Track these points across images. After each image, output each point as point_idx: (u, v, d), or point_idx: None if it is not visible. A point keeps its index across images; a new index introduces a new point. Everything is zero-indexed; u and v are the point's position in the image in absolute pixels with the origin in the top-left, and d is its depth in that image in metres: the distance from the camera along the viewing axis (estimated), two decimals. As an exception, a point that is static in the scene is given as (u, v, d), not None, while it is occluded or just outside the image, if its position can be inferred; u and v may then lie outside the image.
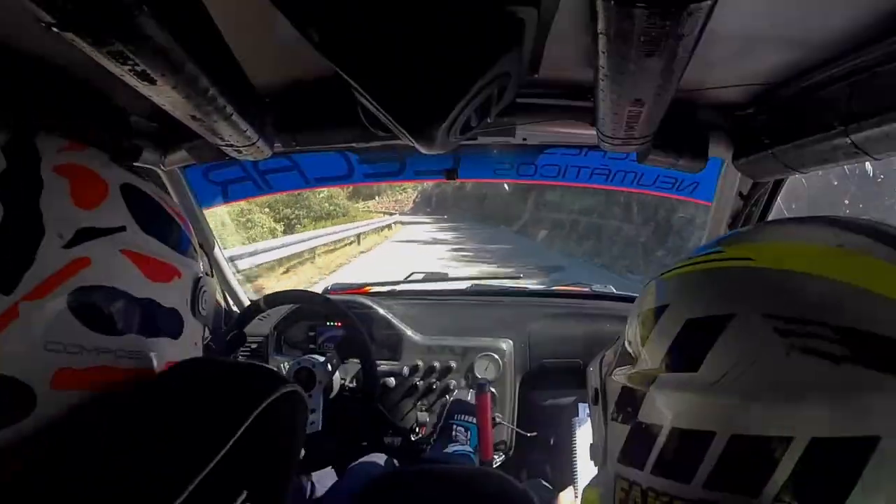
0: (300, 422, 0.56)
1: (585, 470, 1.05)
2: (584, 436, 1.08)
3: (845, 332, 0.35)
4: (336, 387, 1.45)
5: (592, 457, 0.55)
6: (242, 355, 1.61)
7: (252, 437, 0.47)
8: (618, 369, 0.49)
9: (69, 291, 0.48)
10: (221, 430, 0.46)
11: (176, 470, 0.42)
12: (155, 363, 0.55)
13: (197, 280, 0.63)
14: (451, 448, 1.35)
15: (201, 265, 0.66)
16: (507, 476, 0.77)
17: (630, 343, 0.48)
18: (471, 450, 1.35)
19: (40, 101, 0.73)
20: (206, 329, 0.69)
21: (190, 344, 0.62)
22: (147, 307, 0.54)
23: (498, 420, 1.52)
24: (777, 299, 0.38)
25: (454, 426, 1.41)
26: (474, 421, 1.39)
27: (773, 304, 0.38)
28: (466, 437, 1.39)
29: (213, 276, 0.74)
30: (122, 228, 0.53)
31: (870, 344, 0.34)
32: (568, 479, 1.12)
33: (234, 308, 1.72)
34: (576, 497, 1.02)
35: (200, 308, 0.63)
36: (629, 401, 0.45)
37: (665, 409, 0.41)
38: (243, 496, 0.45)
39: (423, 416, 1.57)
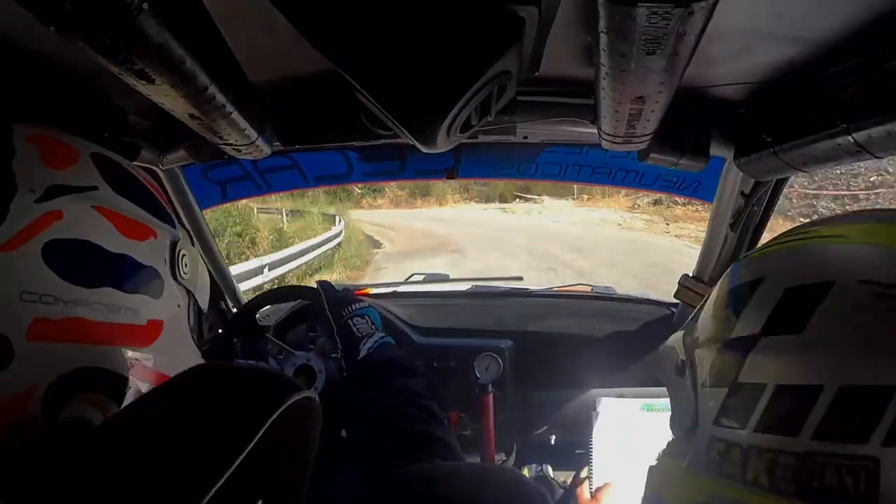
0: (314, 428, 0.55)
1: (601, 466, 1.05)
2: (601, 432, 1.08)
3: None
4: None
5: (672, 426, 0.56)
6: (241, 356, 1.61)
7: (267, 444, 0.46)
8: (707, 340, 0.52)
9: (43, 243, 0.49)
10: (237, 437, 0.45)
11: (192, 479, 0.41)
12: (135, 319, 0.56)
13: (174, 243, 0.63)
14: (364, 346, 1.18)
15: (181, 233, 0.66)
16: (519, 472, 0.77)
17: (718, 317, 0.51)
18: (382, 333, 1.21)
19: (39, 100, 0.73)
20: (196, 304, 0.69)
21: (173, 306, 0.62)
22: (122, 262, 0.55)
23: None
24: (873, 268, 0.42)
25: (350, 321, 1.23)
26: (366, 304, 1.26)
27: (870, 272, 0.41)
28: (370, 324, 1.22)
29: (209, 274, 0.73)
30: (94, 188, 0.55)
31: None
32: (572, 476, 1.13)
33: (234, 308, 1.72)
34: (591, 493, 1.03)
35: (181, 273, 0.63)
36: (726, 366, 0.47)
37: (769, 369, 0.44)
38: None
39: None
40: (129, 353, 0.55)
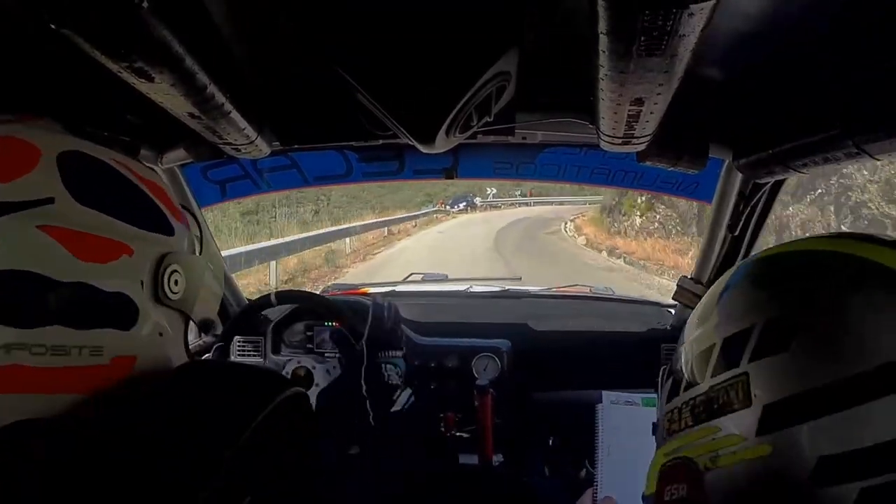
0: (305, 425, 0.54)
1: (607, 464, 1.03)
2: (605, 433, 1.06)
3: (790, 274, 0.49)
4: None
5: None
6: (239, 355, 1.61)
7: (257, 440, 0.46)
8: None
9: None
10: (224, 434, 0.45)
11: (184, 475, 0.41)
12: (93, 360, 0.46)
13: (161, 258, 0.52)
14: (399, 399, 1.32)
15: (185, 244, 0.57)
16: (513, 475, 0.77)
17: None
18: (408, 390, 1.33)
19: (37, 97, 0.73)
20: (191, 321, 0.59)
21: (151, 335, 0.51)
22: (75, 292, 0.45)
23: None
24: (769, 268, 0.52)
25: (384, 365, 1.34)
26: (399, 354, 1.36)
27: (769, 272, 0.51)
28: (398, 375, 1.35)
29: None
30: (48, 201, 0.45)
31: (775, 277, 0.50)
32: (570, 477, 1.12)
33: (235, 307, 1.72)
34: (595, 494, 1.02)
35: (168, 291, 0.53)
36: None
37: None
38: (247, 501, 0.44)
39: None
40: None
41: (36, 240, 0.44)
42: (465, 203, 29.00)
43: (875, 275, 0.44)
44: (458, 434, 1.52)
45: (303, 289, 1.64)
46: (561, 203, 29.57)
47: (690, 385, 0.52)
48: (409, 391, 1.36)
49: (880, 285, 0.43)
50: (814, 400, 0.42)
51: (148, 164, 1.15)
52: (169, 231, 0.54)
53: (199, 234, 0.62)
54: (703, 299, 0.57)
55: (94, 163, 0.50)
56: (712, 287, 0.56)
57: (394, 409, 1.36)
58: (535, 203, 31.23)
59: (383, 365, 1.35)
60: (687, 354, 0.55)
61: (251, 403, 0.48)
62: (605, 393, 1.06)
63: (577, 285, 2.00)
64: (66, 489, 0.40)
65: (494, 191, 30.69)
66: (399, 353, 1.37)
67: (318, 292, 1.69)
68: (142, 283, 0.50)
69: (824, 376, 0.41)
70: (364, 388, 1.27)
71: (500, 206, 30.56)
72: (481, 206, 30.02)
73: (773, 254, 0.54)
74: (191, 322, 0.60)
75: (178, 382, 0.51)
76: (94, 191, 0.48)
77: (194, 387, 0.51)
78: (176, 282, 0.54)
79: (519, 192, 33.92)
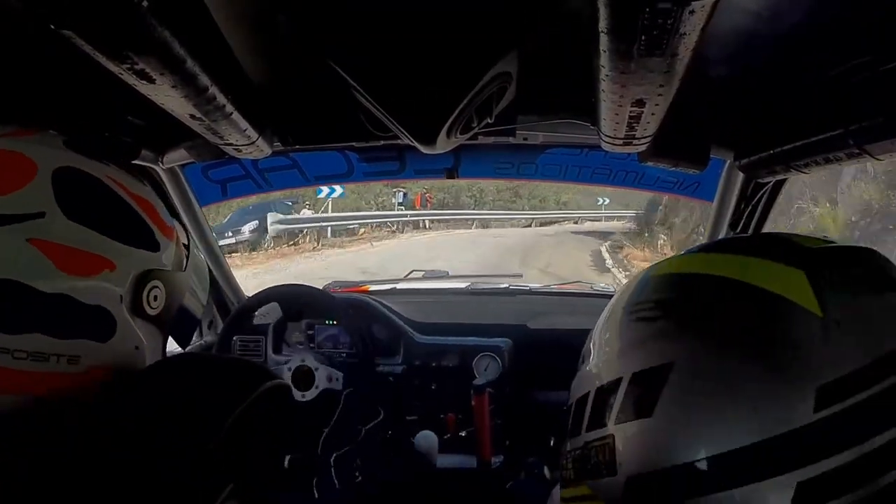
0: (287, 416, 0.56)
1: None
2: None
3: (661, 302, 0.48)
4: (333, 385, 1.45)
5: None
6: (240, 355, 1.61)
7: (237, 431, 0.47)
8: None
9: None
10: (205, 425, 0.46)
11: (156, 463, 0.43)
12: (71, 367, 0.49)
13: (144, 274, 0.55)
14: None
15: (171, 260, 0.59)
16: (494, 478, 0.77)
17: None
18: None
19: (38, 99, 0.73)
20: (166, 332, 0.62)
21: (128, 347, 0.54)
22: (57, 303, 0.48)
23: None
24: (636, 293, 0.51)
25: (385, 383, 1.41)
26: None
27: (632, 298, 0.50)
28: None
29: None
30: (40, 215, 0.48)
31: (670, 306, 0.47)
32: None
33: (234, 304, 1.72)
34: None
35: (147, 306, 0.55)
36: None
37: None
38: (229, 489, 0.45)
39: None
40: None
41: (25, 252, 0.47)
42: (251, 227, 12.37)
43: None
44: (457, 434, 1.52)
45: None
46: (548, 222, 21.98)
47: (573, 434, 0.50)
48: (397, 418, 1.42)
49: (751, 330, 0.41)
50: (681, 477, 0.39)
51: (148, 164, 1.16)
52: (154, 247, 0.57)
53: (186, 243, 0.65)
54: (603, 318, 0.54)
55: (87, 179, 0.53)
56: (613, 300, 0.54)
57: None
58: (494, 222, 20.26)
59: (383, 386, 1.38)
60: (572, 395, 0.54)
61: (231, 394, 0.50)
62: None
63: (576, 282, 2.00)
64: (49, 483, 0.42)
65: (401, 197, 17.11)
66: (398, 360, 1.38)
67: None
68: (121, 298, 0.53)
69: (690, 454, 0.39)
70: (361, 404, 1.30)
71: (427, 227, 17.02)
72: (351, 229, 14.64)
73: (655, 275, 0.51)
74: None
75: (157, 376, 0.53)
76: (83, 207, 0.51)
77: (173, 380, 0.52)
78: (156, 297, 0.56)
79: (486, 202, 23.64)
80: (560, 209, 26.05)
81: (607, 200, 25.08)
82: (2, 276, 0.46)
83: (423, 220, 17.23)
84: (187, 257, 0.64)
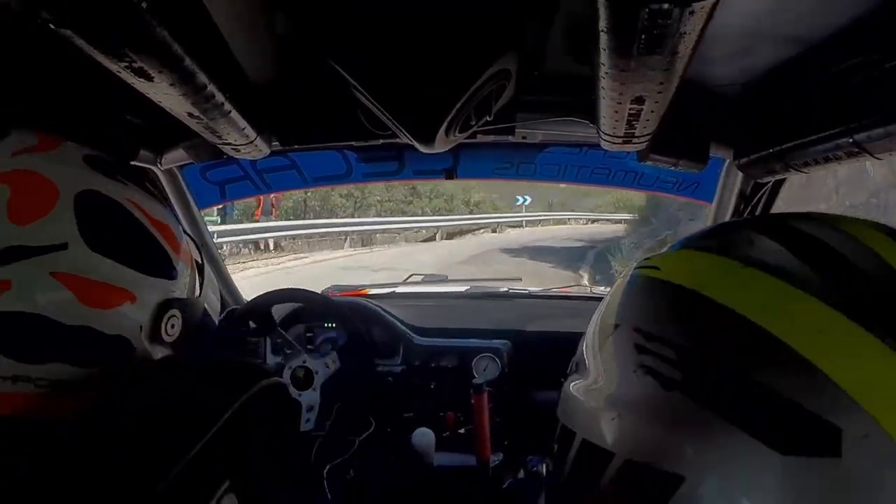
0: (283, 414, 0.56)
1: None
2: None
3: (685, 353, 0.34)
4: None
5: None
6: (239, 356, 1.60)
7: (233, 429, 0.48)
8: None
9: None
10: (201, 424, 0.47)
11: (154, 464, 0.43)
12: (90, 391, 0.50)
13: (164, 304, 0.55)
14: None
15: (186, 285, 0.59)
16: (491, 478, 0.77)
17: None
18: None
19: (35, 98, 0.73)
20: (181, 354, 0.62)
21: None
22: (79, 335, 0.48)
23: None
24: (647, 313, 0.39)
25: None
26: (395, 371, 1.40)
27: (643, 318, 0.39)
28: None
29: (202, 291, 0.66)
30: (63, 246, 0.47)
31: (703, 372, 0.33)
32: None
33: (233, 306, 1.71)
34: None
35: (164, 334, 0.56)
36: None
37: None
38: (225, 486, 0.45)
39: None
40: None
41: (48, 286, 0.47)
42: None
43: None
44: (457, 433, 1.52)
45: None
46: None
47: (558, 462, 0.43)
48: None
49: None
50: None
51: (146, 165, 1.16)
52: (172, 275, 0.56)
53: (199, 262, 0.65)
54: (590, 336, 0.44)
55: (109, 205, 0.52)
56: (613, 301, 0.43)
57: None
58: (381, 235, 13.40)
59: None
60: (561, 411, 0.45)
61: (225, 394, 0.50)
62: None
63: (577, 285, 2.00)
64: (49, 483, 0.42)
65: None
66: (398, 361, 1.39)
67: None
68: (141, 328, 0.53)
69: None
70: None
71: (270, 250, 10.56)
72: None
73: (681, 284, 0.38)
74: None
75: (156, 376, 0.53)
76: (106, 237, 0.50)
77: (171, 380, 0.53)
78: (173, 325, 0.57)
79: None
80: (475, 212, 20.03)
81: (528, 200, 21.14)
82: (26, 309, 0.46)
83: (266, 241, 10.73)
84: (201, 281, 0.64)
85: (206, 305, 0.65)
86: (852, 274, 0.34)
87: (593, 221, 21.76)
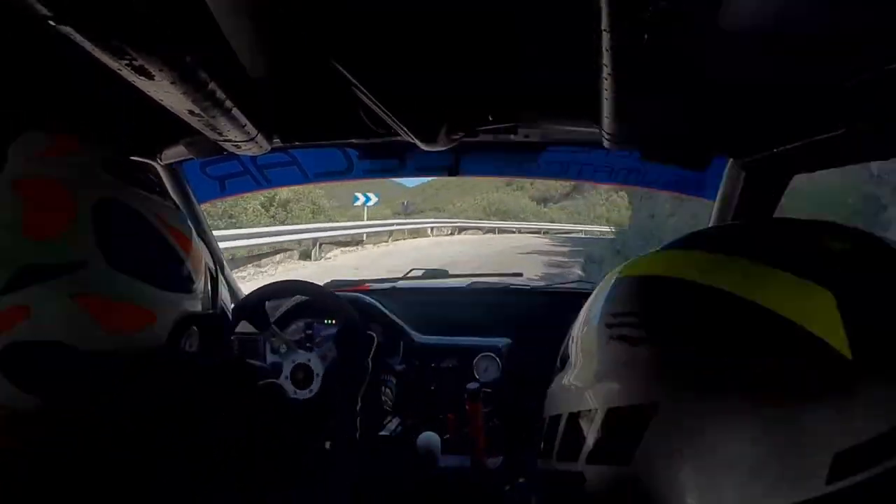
0: (282, 415, 0.56)
1: None
2: None
3: (647, 318, 0.40)
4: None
5: None
6: (239, 353, 1.60)
7: (232, 430, 0.48)
8: None
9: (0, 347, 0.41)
10: (201, 425, 0.47)
11: (154, 464, 0.43)
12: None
13: (183, 321, 0.52)
14: (389, 426, 1.42)
15: (201, 297, 0.56)
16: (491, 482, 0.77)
17: None
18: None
19: (37, 96, 0.72)
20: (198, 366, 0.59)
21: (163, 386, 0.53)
22: (100, 361, 0.45)
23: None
24: (613, 300, 0.44)
25: (384, 387, 1.42)
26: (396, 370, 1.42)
27: (610, 305, 0.44)
28: (391, 398, 1.44)
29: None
30: (83, 264, 0.44)
31: (661, 325, 0.39)
32: None
33: (233, 303, 1.71)
34: None
35: (184, 348, 0.53)
36: None
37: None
38: (225, 487, 0.46)
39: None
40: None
41: (69, 311, 0.43)
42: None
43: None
44: (457, 434, 1.52)
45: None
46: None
47: (545, 454, 0.46)
48: (397, 420, 1.45)
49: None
50: None
51: (147, 160, 1.15)
52: (190, 288, 0.54)
53: (213, 269, 0.61)
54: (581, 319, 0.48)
55: (129, 215, 0.49)
56: (591, 299, 0.48)
57: (382, 432, 1.44)
58: None
59: (385, 386, 1.41)
60: (546, 408, 0.48)
61: (225, 395, 0.51)
62: None
63: (579, 282, 2.00)
64: (49, 483, 0.42)
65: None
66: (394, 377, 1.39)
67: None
68: (160, 347, 0.50)
69: None
70: (359, 404, 1.30)
71: None
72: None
73: (640, 274, 0.44)
74: None
75: (156, 376, 0.53)
76: (126, 252, 0.47)
77: (172, 380, 0.52)
78: (191, 344, 0.54)
79: None
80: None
81: (372, 200, 15.61)
82: (45, 338, 0.43)
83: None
84: (215, 286, 0.61)
85: (220, 320, 0.61)
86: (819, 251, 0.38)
87: (461, 231, 18.95)
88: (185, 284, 0.53)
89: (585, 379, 0.42)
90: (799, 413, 0.31)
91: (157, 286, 0.49)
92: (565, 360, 0.49)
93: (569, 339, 0.50)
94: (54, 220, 0.44)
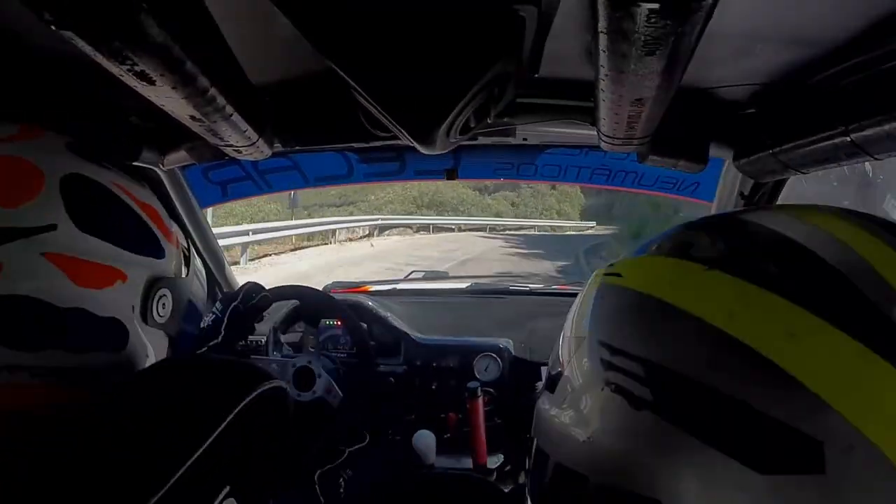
0: (285, 418, 0.56)
1: None
2: None
3: (652, 369, 0.32)
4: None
5: None
6: (241, 355, 1.61)
7: (235, 432, 0.48)
8: None
9: None
10: (202, 426, 0.47)
11: (155, 465, 0.43)
12: (87, 379, 0.49)
13: (152, 282, 0.55)
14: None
15: (173, 266, 0.59)
16: (492, 482, 0.77)
17: None
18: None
19: (37, 99, 0.73)
20: (170, 337, 0.62)
21: (139, 356, 0.55)
22: (74, 318, 0.48)
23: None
24: (610, 324, 0.37)
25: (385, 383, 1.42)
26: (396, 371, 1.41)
27: (607, 331, 0.37)
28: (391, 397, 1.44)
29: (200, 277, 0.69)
30: (52, 227, 0.47)
31: (673, 389, 0.31)
32: None
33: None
34: None
35: (155, 314, 0.55)
36: None
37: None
38: (226, 490, 0.45)
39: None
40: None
41: (40, 267, 0.46)
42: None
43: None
44: (458, 434, 1.52)
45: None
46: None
47: (534, 475, 0.41)
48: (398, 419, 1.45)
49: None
50: None
51: (149, 166, 1.16)
52: (160, 254, 0.57)
53: (186, 246, 0.65)
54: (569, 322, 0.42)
55: (95, 187, 0.52)
56: (579, 308, 0.41)
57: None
58: None
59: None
60: (535, 426, 0.43)
61: (227, 397, 0.50)
62: None
63: (578, 283, 2.00)
64: (49, 483, 0.41)
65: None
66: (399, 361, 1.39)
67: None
68: (133, 308, 0.53)
69: None
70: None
71: None
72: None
73: (646, 292, 0.36)
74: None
75: (156, 376, 0.53)
76: (93, 217, 0.50)
77: (173, 380, 0.52)
78: (164, 305, 0.57)
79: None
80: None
81: None
82: (20, 292, 0.45)
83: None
84: (187, 262, 0.64)
85: (191, 290, 0.64)
86: (821, 269, 0.32)
87: (380, 231, 14.57)
88: (154, 250, 0.56)
89: (575, 424, 0.36)
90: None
91: (126, 248, 0.52)
92: (554, 380, 0.43)
93: (558, 352, 0.44)
94: (24, 191, 0.47)
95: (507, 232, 18.46)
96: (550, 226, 21.77)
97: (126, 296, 0.53)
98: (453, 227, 17.85)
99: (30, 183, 0.47)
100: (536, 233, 19.41)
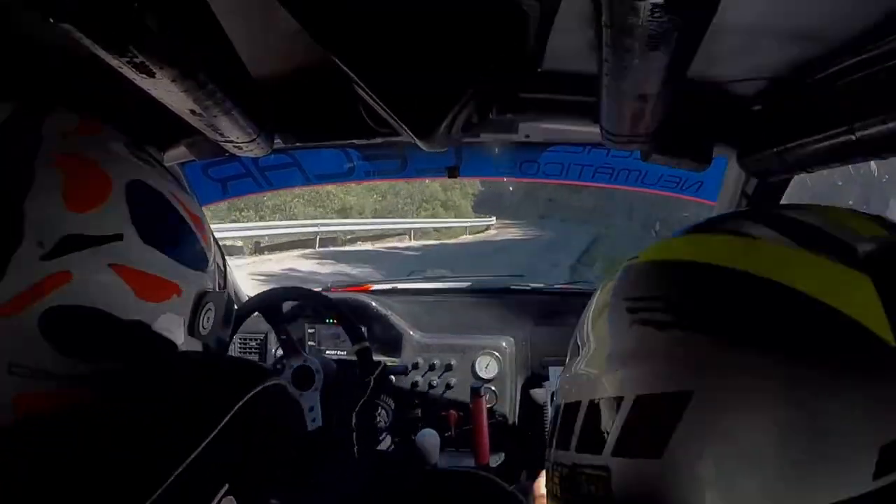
0: (285, 416, 0.56)
1: None
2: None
3: (676, 302, 0.38)
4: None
5: None
6: (241, 354, 1.61)
7: (234, 430, 0.47)
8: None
9: (42, 310, 0.43)
10: (201, 424, 0.46)
11: (154, 463, 0.42)
12: (128, 390, 0.49)
13: (201, 296, 0.55)
14: (385, 441, 1.39)
15: (214, 278, 0.59)
16: (495, 479, 0.77)
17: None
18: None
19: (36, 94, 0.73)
20: (206, 347, 0.61)
21: (182, 368, 0.55)
22: (132, 331, 0.48)
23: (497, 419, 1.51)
24: (635, 284, 0.43)
25: (382, 405, 1.39)
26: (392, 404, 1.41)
27: (631, 289, 0.42)
28: (386, 419, 1.41)
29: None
30: (118, 237, 0.46)
31: (692, 311, 0.37)
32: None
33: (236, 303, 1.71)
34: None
35: (201, 328, 0.56)
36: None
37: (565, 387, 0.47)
38: (224, 489, 0.45)
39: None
40: None
41: (108, 278, 0.46)
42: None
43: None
44: (458, 432, 1.52)
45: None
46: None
47: (561, 445, 0.44)
48: (390, 439, 1.43)
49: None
50: None
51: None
52: (206, 267, 0.57)
53: (222, 258, 0.64)
54: (595, 302, 0.47)
55: (156, 196, 0.52)
56: (602, 289, 0.46)
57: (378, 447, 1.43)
58: None
59: (382, 405, 1.38)
60: (561, 394, 0.47)
61: (226, 394, 0.50)
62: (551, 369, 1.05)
63: (579, 282, 2.00)
64: (49, 483, 0.41)
65: None
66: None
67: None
68: (183, 321, 0.53)
69: None
70: (354, 420, 1.30)
71: None
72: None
73: (663, 259, 0.42)
74: None
75: (156, 375, 0.53)
76: (155, 228, 0.50)
77: (173, 378, 0.52)
78: (209, 318, 0.57)
79: None
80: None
81: None
82: (84, 303, 0.45)
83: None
84: (223, 274, 0.64)
85: (227, 302, 0.64)
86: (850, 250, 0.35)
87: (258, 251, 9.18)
88: (201, 263, 0.56)
89: (605, 364, 0.40)
90: (842, 403, 0.30)
91: (180, 261, 0.52)
92: (580, 346, 0.48)
93: (582, 324, 0.49)
94: (92, 195, 0.46)
95: (356, 245, 11.50)
96: (433, 227, 14.35)
97: (180, 309, 0.53)
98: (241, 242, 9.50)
99: (99, 186, 0.47)
100: (410, 244, 12.02)
